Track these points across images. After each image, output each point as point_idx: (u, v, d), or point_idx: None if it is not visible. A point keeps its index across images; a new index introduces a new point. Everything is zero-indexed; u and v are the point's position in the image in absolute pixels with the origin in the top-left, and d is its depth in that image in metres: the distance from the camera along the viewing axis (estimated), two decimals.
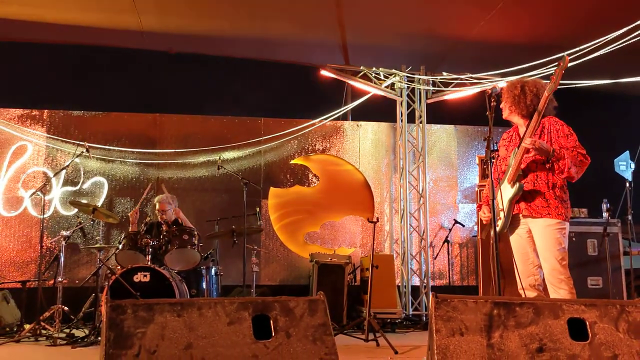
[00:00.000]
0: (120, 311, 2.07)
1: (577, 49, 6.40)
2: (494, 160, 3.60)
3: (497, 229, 3.73)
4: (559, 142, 3.67)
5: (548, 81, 3.66)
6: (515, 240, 3.83)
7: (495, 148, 3.46)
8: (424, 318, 7.60)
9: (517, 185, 3.71)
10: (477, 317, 2.25)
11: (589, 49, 6.36)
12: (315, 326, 2.21)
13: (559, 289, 3.59)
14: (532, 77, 4.04)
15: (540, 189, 3.70)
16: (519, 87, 3.80)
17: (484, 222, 3.98)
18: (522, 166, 3.75)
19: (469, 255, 8.37)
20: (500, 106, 3.84)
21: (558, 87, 3.62)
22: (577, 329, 2.24)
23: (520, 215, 3.78)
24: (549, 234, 3.64)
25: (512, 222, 3.82)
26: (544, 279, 3.73)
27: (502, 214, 3.77)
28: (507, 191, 3.78)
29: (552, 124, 3.75)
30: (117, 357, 1.98)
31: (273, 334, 2.15)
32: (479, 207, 4.09)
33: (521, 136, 3.80)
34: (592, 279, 6.32)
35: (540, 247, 3.69)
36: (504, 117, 3.90)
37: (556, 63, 3.56)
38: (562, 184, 3.72)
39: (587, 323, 2.24)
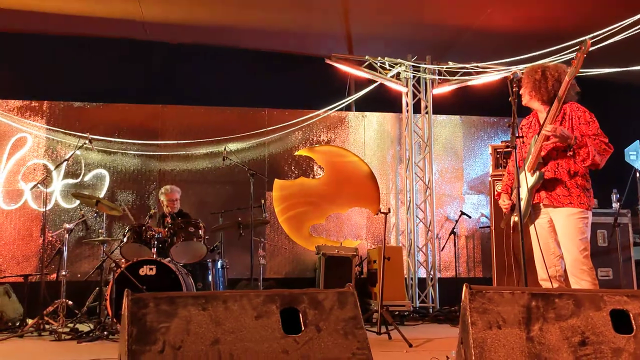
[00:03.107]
0: (142, 304, 1.96)
1: (586, 37, 6.29)
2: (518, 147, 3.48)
3: (517, 218, 3.64)
4: (580, 130, 3.56)
5: (569, 66, 3.54)
6: (539, 230, 3.71)
7: (521, 135, 3.35)
8: (431, 310, 7.52)
9: (537, 173, 3.61)
10: (515, 309, 2.15)
11: (600, 37, 6.26)
12: (345, 319, 2.11)
13: (581, 280, 3.48)
14: (553, 63, 3.93)
15: (561, 177, 3.59)
16: (540, 71, 3.67)
17: (504, 211, 3.88)
18: (543, 154, 3.64)
19: (475, 246, 8.28)
20: (520, 92, 3.70)
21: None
22: (620, 321, 2.14)
23: (541, 204, 3.68)
24: (571, 224, 3.54)
25: (533, 211, 3.72)
26: (565, 270, 3.63)
27: (522, 203, 3.64)
28: (527, 179, 3.67)
29: (574, 110, 3.63)
30: (140, 353, 1.87)
31: (303, 328, 2.04)
32: (498, 195, 3.98)
33: (541, 123, 3.69)
34: (602, 270, 6.25)
35: (561, 237, 3.59)
36: (523, 103, 3.77)
37: (577, 47, 3.44)
38: (584, 172, 3.60)
39: (631, 315, 2.14)
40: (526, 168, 3.72)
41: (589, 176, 3.67)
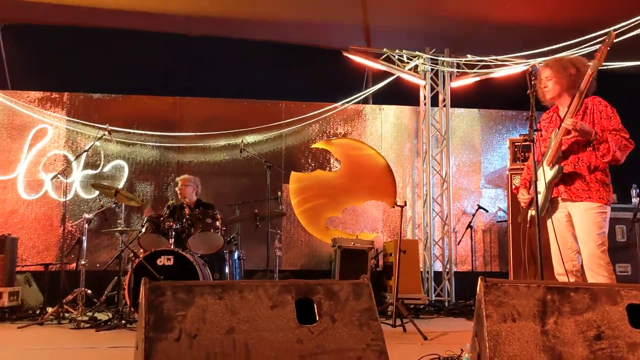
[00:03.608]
0: (159, 293, 1.99)
1: (610, 29, 6.20)
2: (535, 140, 3.45)
3: (534, 212, 3.61)
4: (601, 124, 3.51)
5: (591, 59, 3.48)
6: (557, 225, 3.68)
7: (539, 128, 3.32)
8: (447, 304, 7.51)
9: (556, 167, 3.58)
10: (530, 303, 2.14)
11: (623, 29, 6.17)
12: (360, 310, 2.12)
13: (598, 275, 3.45)
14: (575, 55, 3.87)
15: (581, 171, 3.55)
16: (572, 65, 3.61)
17: (522, 205, 3.85)
18: (563, 148, 3.60)
19: (492, 240, 8.24)
20: (542, 86, 3.65)
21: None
22: (637, 316, 2.12)
23: (559, 198, 3.64)
24: (589, 218, 3.50)
25: (551, 206, 3.68)
26: (582, 265, 3.60)
27: (540, 197, 3.62)
28: (546, 173, 3.63)
29: (596, 105, 3.58)
30: (157, 341, 1.90)
31: (317, 319, 2.06)
32: (516, 189, 3.95)
33: (562, 117, 3.65)
34: (621, 266, 6.19)
35: (579, 232, 3.56)
36: (549, 97, 3.70)
37: (600, 39, 3.39)
38: (603, 167, 3.56)
39: None
40: (545, 162, 3.68)
41: (608, 171, 3.63)
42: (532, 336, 2.09)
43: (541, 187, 3.61)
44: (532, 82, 3.41)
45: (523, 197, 3.82)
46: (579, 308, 2.12)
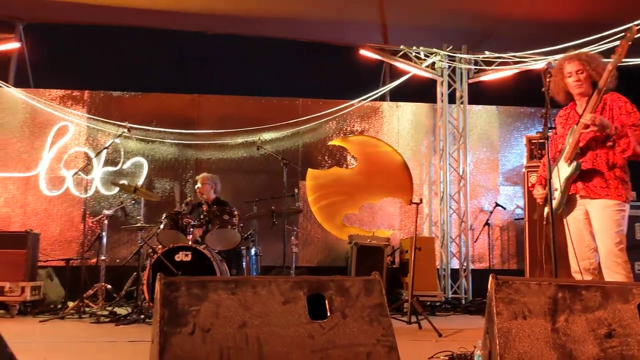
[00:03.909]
0: (174, 288, 2.04)
1: (631, 24, 6.12)
2: (550, 138, 3.42)
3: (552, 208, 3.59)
4: (621, 120, 3.46)
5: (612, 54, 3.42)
6: (571, 221, 3.64)
7: (553, 126, 3.30)
8: (463, 301, 7.50)
9: (574, 164, 3.53)
10: (541, 300, 2.15)
11: None
12: (371, 307, 2.15)
13: (615, 274, 3.41)
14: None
15: (599, 168, 3.50)
16: (597, 60, 3.57)
17: (538, 202, 3.81)
18: (581, 144, 3.55)
19: (509, 238, 8.20)
20: (573, 80, 3.57)
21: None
22: None
23: (577, 195, 3.60)
24: (607, 216, 3.46)
25: (568, 203, 3.64)
26: (599, 263, 3.57)
27: (557, 194, 3.59)
28: (563, 170, 3.59)
29: (615, 101, 3.53)
30: (171, 334, 1.94)
31: (329, 314, 2.09)
32: (533, 186, 3.92)
33: (579, 113, 3.60)
34: (637, 264, 6.12)
35: (597, 229, 3.51)
36: (577, 92, 3.61)
37: (621, 35, 3.36)
38: (622, 164, 3.51)
39: None
40: (563, 158, 3.64)
41: (627, 168, 3.58)
42: (543, 334, 2.10)
43: (559, 183, 3.58)
44: (548, 80, 3.39)
45: (538, 193, 3.78)
46: (590, 306, 2.13)
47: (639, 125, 3.44)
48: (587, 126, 3.43)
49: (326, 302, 2.12)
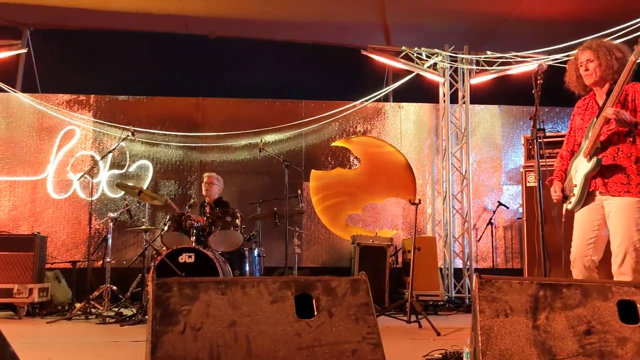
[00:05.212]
0: (166, 289, 2.12)
1: (634, 22, 6.13)
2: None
3: (570, 206, 3.53)
4: None
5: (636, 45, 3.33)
6: (582, 216, 3.51)
7: (542, 127, 3.33)
8: (467, 300, 7.53)
9: (594, 159, 3.38)
10: (522, 298, 2.21)
11: None
12: (357, 305, 2.22)
13: (628, 274, 3.26)
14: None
15: (621, 163, 3.36)
16: (617, 49, 3.45)
17: (555, 200, 3.66)
18: (602, 138, 3.41)
19: (513, 237, 8.23)
20: (583, 70, 3.50)
21: None
22: (628, 312, 2.18)
23: (597, 192, 3.44)
24: (627, 214, 3.30)
25: (587, 199, 3.48)
26: (597, 260, 3.43)
27: (576, 190, 3.48)
28: (582, 165, 3.47)
29: (637, 91, 3.38)
30: (163, 333, 2.02)
31: (315, 313, 2.16)
32: (550, 181, 3.73)
33: (599, 105, 3.48)
34: None
35: (615, 227, 3.34)
36: (589, 82, 3.51)
37: (624, 32, 3.33)
38: None
39: (638, 305, 2.17)
40: (582, 153, 3.51)
41: None
42: (524, 331, 2.16)
43: (578, 179, 3.49)
44: (538, 82, 3.39)
45: (555, 193, 3.65)
46: (570, 304, 2.19)
47: None
48: (608, 120, 3.32)
49: (313, 301, 2.19)
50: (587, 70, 3.49)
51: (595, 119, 3.45)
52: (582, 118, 3.64)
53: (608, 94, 3.45)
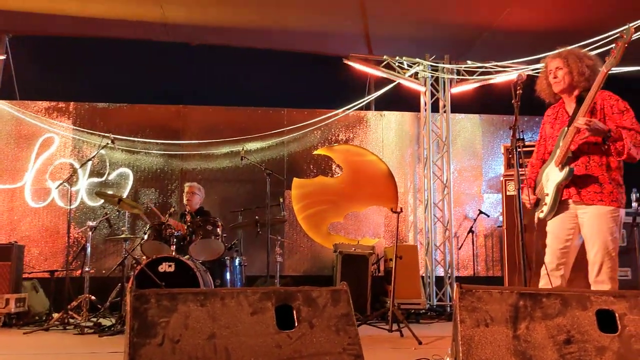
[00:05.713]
0: (144, 300, 2.08)
1: (611, 33, 6.22)
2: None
3: (542, 215, 3.52)
4: (614, 120, 3.33)
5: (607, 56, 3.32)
6: (555, 225, 3.50)
7: (522, 137, 3.35)
8: (449, 309, 7.55)
9: (566, 169, 3.38)
10: (503, 308, 2.22)
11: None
12: (338, 316, 2.20)
13: (603, 283, 3.28)
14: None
15: (593, 172, 3.36)
16: (587, 57, 3.44)
17: (527, 207, 3.64)
18: (573, 148, 3.41)
19: (494, 245, 8.29)
20: (552, 77, 3.50)
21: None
22: (606, 321, 2.19)
23: (570, 200, 3.44)
24: (602, 223, 3.29)
25: (560, 208, 3.49)
26: (570, 271, 3.47)
27: (548, 199, 3.48)
28: (554, 174, 3.47)
29: (605, 99, 3.39)
30: (141, 346, 1.99)
31: (296, 324, 2.14)
32: (522, 189, 3.67)
33: (569, 113, 3.50)
34: (621, 270, 6.16)
35: (590, 236, 3.33)
36: (557, 90, 3.51)
37: (602, 42, 3.36)
38: (617, 166, 3.38)
39: (617, 315, 2.19)
40: (554, 162, 3.50)
41: (622, 170, 3.43)
42: (504, 340, 2.16)
43: (550, 188, 3.49)
44: (518, 92, 3.40)
45: (527, 198, 3.62)
46: (550, 313, 2.19)
47: (634, 127, 3.31)
48: (579, 130, 3.32)
49: (294, 312, 2.17)
50: (555, 77, 3.51)
51: (566, 128, 3.45)
52: (552, 126, 3.65)
53: (578, 101, 3.47)
